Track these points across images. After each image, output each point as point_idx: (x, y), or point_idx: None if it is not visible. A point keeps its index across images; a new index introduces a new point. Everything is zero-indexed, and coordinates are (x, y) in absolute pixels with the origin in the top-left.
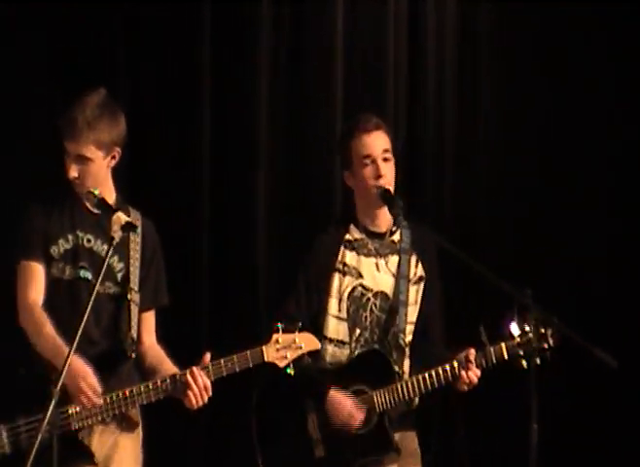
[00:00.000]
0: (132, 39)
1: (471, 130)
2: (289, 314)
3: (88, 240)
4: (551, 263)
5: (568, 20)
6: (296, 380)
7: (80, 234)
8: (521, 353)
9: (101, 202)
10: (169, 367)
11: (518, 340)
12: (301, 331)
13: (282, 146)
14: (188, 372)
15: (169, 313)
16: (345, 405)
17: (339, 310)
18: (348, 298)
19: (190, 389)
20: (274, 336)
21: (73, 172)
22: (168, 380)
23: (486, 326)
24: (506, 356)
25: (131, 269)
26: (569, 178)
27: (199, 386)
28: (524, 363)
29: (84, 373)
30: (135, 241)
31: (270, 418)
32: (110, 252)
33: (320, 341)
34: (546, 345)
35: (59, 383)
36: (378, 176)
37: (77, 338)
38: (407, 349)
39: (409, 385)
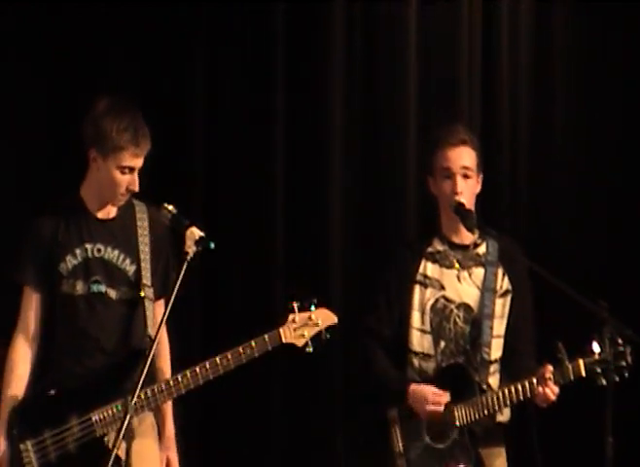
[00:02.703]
0: (208, 40)
1: (546, 137)
2: (371, 329)
3: (99, 250)
4: (629, 271)
5: None
6: (378, 390)
7: (88, 247)
8: (599, 371)
9: (176, 218)
10: (160, 366)
11: (597, 357)
12: (317, 307)
13: (357, 145)
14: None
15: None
16: (428, 390)
17: (423, 323)
18: (431, 310)
19: None
20: (290, 316)
21: (137, 185)
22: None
23: (565, 341)
24: (583, 373)
25: (142, 264)
26: None
27: None
28: (603, 380)
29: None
30: (144, 235)
31: (354, 430)
32: (184, 268)
33: (406, 355)
34: (624, 363)
35: (135, 395)
36: (454, 193)
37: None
38: (493, 365)
39: (489, 400)
